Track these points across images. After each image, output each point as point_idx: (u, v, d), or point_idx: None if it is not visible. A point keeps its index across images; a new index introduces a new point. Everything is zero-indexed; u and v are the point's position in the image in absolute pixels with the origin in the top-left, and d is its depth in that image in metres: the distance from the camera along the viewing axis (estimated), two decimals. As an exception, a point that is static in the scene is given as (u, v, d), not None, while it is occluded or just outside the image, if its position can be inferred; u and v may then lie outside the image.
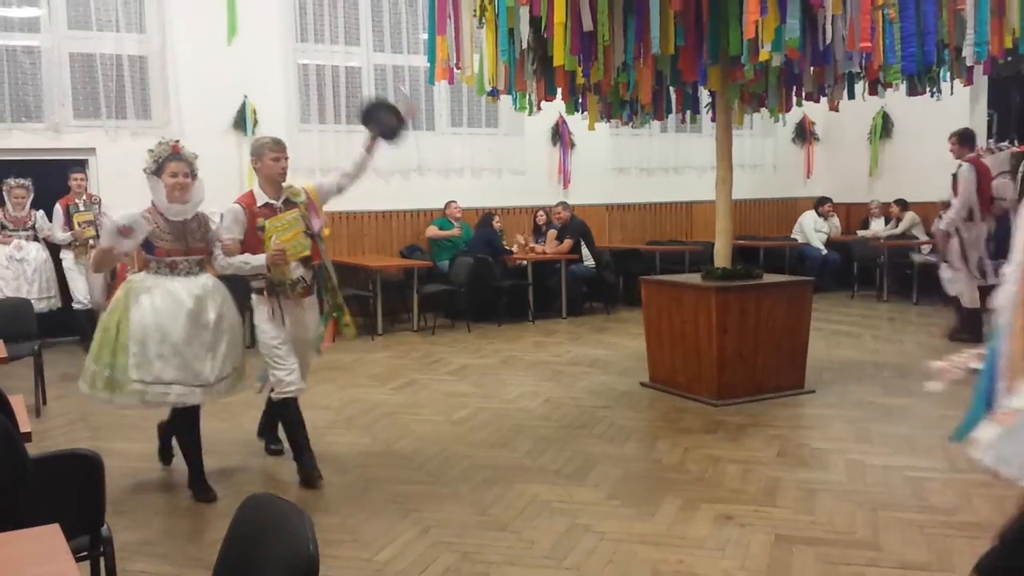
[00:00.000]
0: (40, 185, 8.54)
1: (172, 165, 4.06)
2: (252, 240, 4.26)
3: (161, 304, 3.99)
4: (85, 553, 2.51)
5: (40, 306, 7.68)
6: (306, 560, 1.56)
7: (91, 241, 7.82)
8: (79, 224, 8.02)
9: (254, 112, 9.31)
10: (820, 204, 11.79)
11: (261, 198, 4.32)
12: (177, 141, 4.19)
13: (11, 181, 7.94)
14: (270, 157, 4.30)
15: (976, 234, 7.57)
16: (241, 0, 9.17)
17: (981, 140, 10.72)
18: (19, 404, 3.09)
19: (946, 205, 7.93)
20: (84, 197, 8.12)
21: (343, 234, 9.95)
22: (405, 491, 4.22)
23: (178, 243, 4.09)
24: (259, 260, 4.21)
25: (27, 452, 2.40)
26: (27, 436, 2.78)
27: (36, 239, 8.04)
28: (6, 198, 7.94)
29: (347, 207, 9.89)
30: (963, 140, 7.87)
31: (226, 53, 9.10)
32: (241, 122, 9.28)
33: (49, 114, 8.64)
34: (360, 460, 4.75)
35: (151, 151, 4.10)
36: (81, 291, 8.07)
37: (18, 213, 7.98)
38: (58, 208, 8.06)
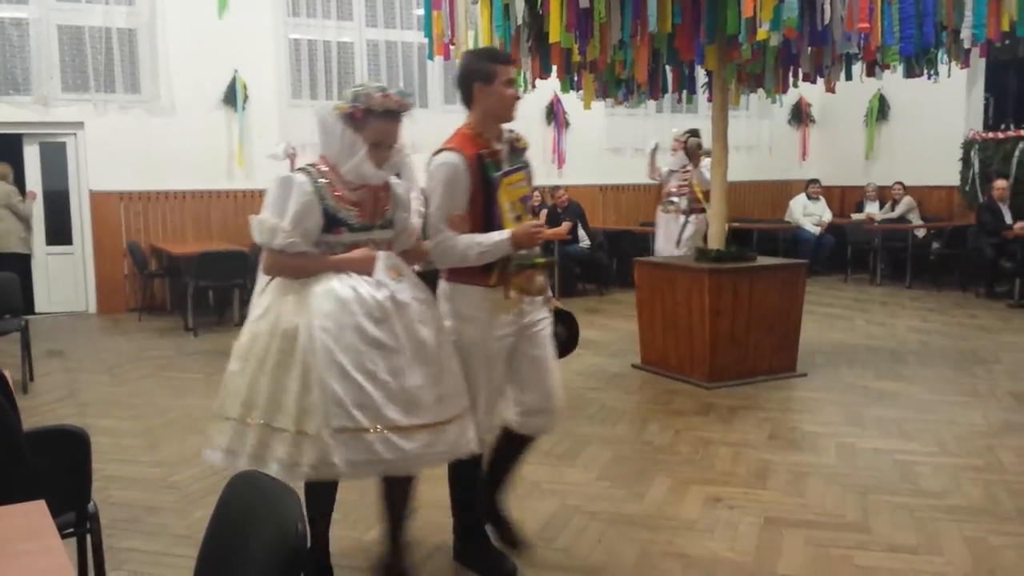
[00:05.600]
0: (29, 161, 8.46)
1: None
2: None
3: None
4: (71, 530, 2.48)
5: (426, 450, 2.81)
6: (294, 538, 1.54)
7: None
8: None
9: (244, 87, 9.22)
10: (809, 186, 11.85)
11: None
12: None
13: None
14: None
15: None
16: (233, -27, 9.07)
17: (978, 124, 10.72)
18: (5, 380, 3.06)
19: None
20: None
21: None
22: (395, 470, 4.20)
23: None
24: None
25: (22, 430, 2.37)
26: (13, 412, 2.74)
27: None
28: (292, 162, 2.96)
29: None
30: None
31: (217, 27, 8.99)
32: (231, 97, 9.19)
33: (37, 87, 8.53)
34: (350, 438, 4.73)
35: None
36: None
37: (361, 194, 2.89)
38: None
